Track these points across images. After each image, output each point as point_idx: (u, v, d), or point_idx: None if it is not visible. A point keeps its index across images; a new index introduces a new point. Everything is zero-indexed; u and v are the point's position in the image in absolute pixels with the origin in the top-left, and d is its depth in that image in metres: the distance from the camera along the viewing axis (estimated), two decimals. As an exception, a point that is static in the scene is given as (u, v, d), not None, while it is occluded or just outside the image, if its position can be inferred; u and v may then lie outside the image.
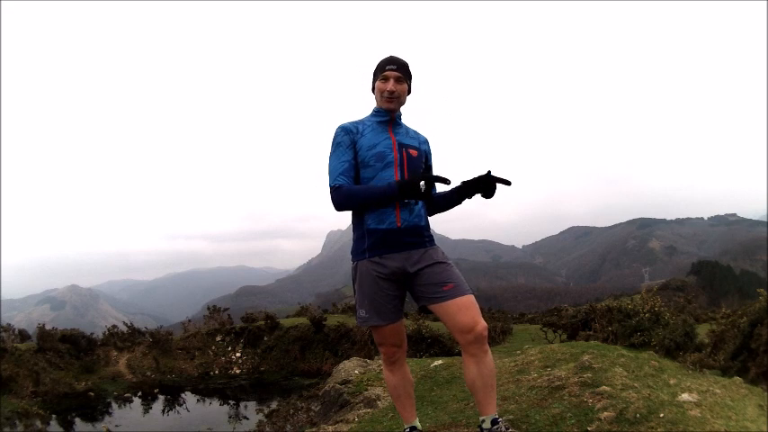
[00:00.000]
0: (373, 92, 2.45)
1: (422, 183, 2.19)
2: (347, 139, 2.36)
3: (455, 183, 2.44)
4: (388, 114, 2.43)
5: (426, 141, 2.56)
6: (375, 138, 2.37)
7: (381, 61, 2.41)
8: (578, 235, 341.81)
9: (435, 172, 2.56)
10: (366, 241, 2.34)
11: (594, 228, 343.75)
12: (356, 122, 2.44)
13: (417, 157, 2.42)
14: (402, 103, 2.44)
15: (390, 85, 2.36)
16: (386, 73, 2.37)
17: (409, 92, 2.48)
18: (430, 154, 2.58)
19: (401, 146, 2.39)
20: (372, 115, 2.47)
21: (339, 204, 2.28)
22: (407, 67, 2.43)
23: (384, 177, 2.32)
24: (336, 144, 2.36)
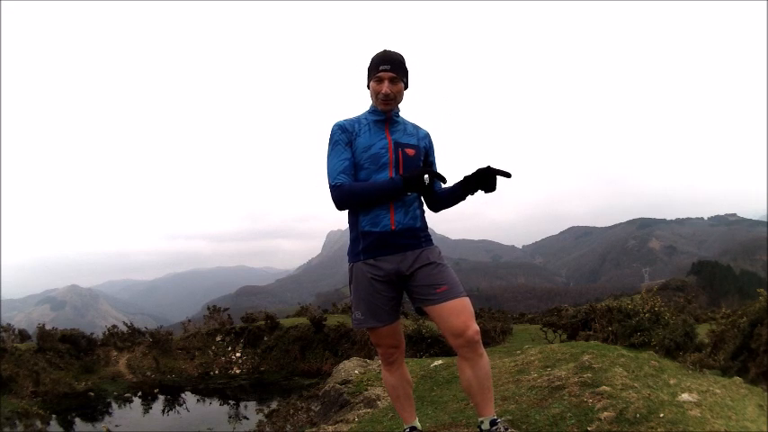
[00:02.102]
0: (368, 88, 2.36)
1: (426, 176, 2.19)
2: (344, 137, 2.31)
3: (455, 180, 2.42)
4: (384, 114, 2.35)
5: (427, 136, 2.46)
6: (370, 139, 2.31)
7: (375, 58, 2.29)
8: (578, 235, 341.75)
9: (437, 167, 2.50)
10: (361, 243, 2.32)
11: (594, 228, 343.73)
12: (353, 120, 2.37)
13: (414, 156, 2.35)
14: (399, 101, 2.35)
15: (385, 88, 2.25)
16: (380, 74, 2.26)
17: (406, 87, 2.36)
18: (431, 148, 2.47)
19: (397, 145, 2.32)
20: (369, 113, 2.39)
21: (340, 203, 2.26)
22: (403, 63, 2.31)
23: (378, 179, 2.27)
24: (334, 143, 2.31)
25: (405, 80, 2.33)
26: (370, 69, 2.32)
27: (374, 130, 2.34)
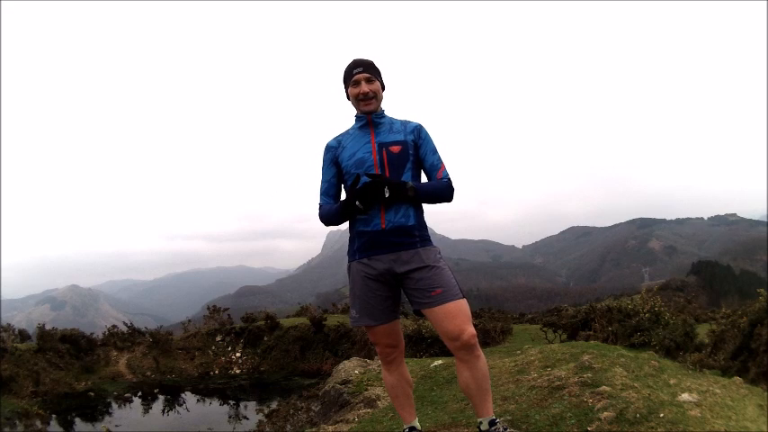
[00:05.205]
0: (349, 99, 2.44)
1: (357, 202, 2.24)
2: (328, 157, 2.45)
3: (459, 177, 2.44)
4: (365, 117, 2.41)
5: (416, 129, 2.44)
6: (355, 145, 2.38)
7: (347, 68, 2.40)
8: (578, 235, 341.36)
9: (438, 156, 2.42)
10: (356, 242, 2.38)
11: (594, 228, 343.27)
12: (340, 136, 2.47)
13: (400, 153, 2.35)
14: (380, 100, 2.42)
15: (363, 88, 2.34)
16: (355, 78, 2.36)
17: (383, 87, 2.44)
18: (423, 139, 2.43)
19: (381, 146, 2.35)
20: (354, 122, 2.47)
21: (323, 222, 2.44)
22: (374, 64, 2.40)
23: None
24: (322, 163, 2.47)
25: (380, 79, 2.41)
26: (345, 80, 2.42)
27: (359, 137, 2.41)
